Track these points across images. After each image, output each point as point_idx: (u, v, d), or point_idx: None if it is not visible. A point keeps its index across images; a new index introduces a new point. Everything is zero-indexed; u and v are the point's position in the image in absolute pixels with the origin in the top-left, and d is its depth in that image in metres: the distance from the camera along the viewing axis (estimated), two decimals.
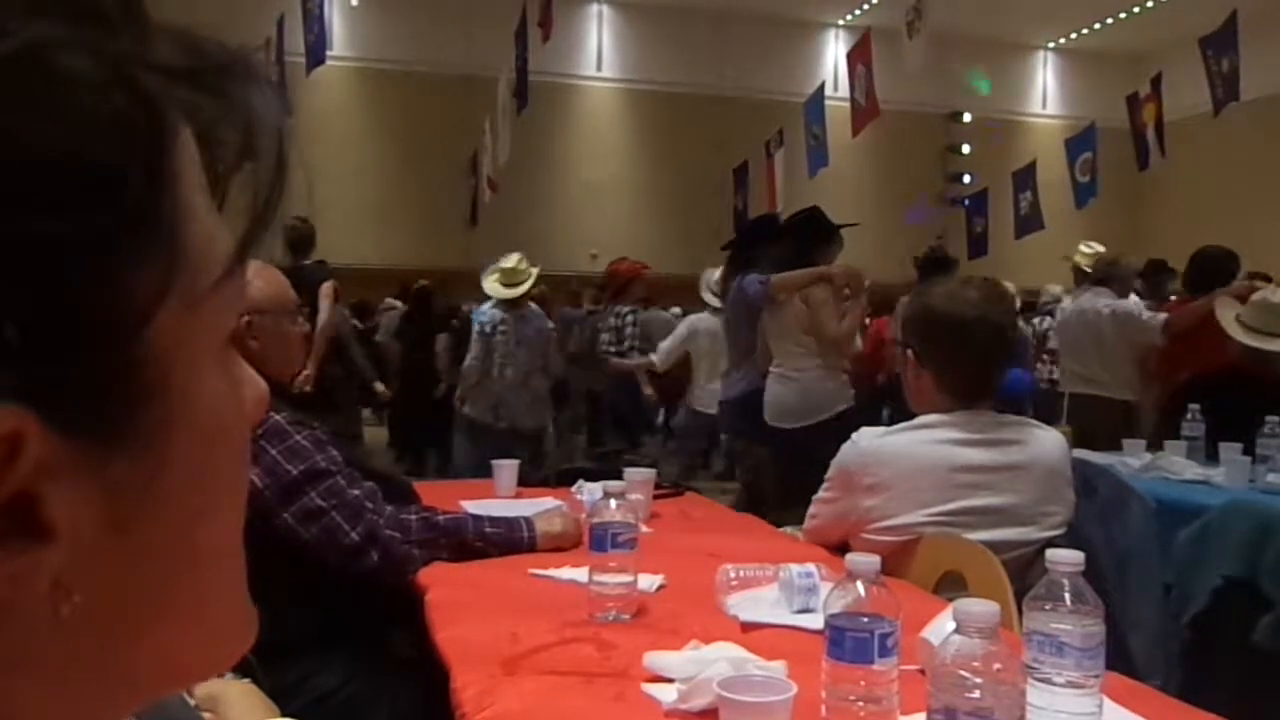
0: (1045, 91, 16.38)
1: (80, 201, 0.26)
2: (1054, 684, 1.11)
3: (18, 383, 0.26)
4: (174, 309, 0.29)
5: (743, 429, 4.83)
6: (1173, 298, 5.79)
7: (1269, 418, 3.32)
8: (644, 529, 2.00)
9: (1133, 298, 5.50)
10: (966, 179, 14.87)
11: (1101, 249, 6.07)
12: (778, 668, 1.24)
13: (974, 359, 1.99)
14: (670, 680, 1.24)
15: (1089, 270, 5.70)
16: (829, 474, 2.07)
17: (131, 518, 0.29)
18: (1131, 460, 3.54)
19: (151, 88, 0.28)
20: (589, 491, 2.51)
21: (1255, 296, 3.90)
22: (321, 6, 9.45)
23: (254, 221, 0.32)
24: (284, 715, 1.15)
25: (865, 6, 13.92)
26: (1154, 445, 3.67)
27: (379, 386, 6.61)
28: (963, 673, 0.98)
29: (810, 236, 4.34)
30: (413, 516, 1.95)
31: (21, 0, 0.26)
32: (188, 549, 0.32)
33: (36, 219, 0.25)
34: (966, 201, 11.75)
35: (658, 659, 1.30)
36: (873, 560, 1.15)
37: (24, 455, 0.26)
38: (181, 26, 0.31)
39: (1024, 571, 1.79)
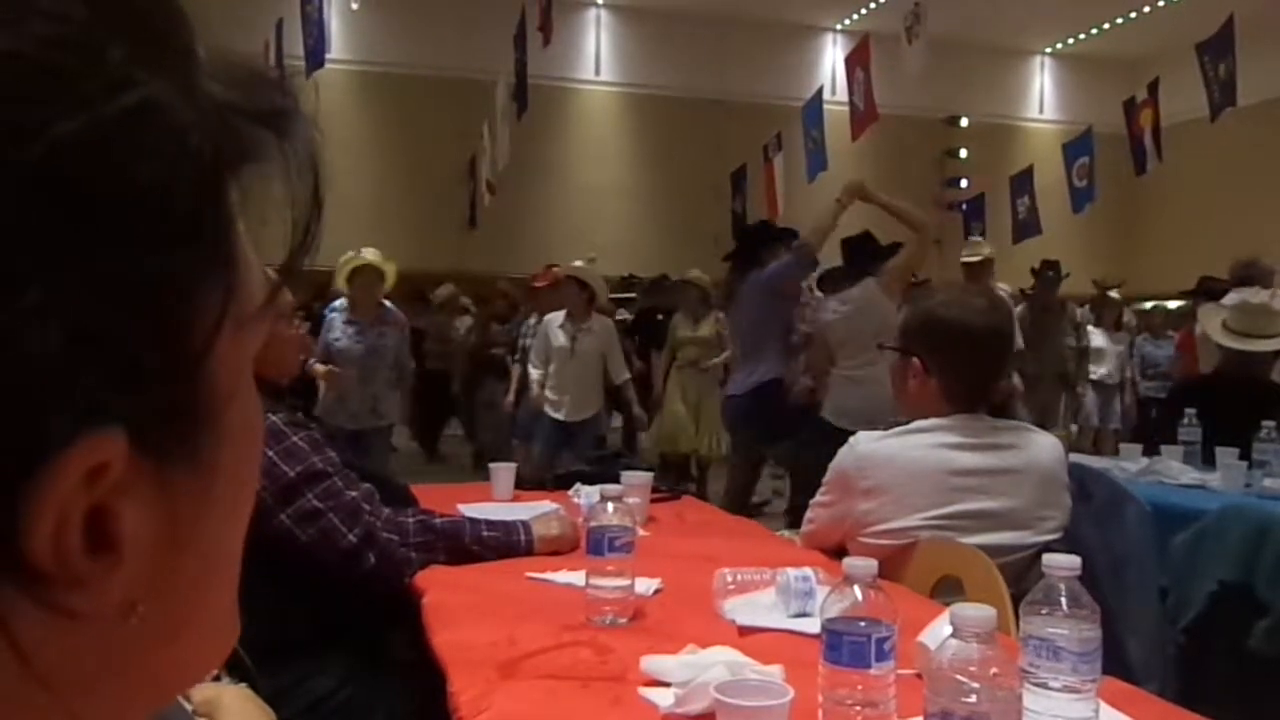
0: (1042, 96, 16.38)
1: (177, 238, 0.29)
2: (1050, 688, 1.11)
3: (121, 412, 0.27)
4: (228, 333, 0.31)
5: (753, 423, 4.90)
6: None
7: (1265, 422, 3.32)
8: (641, 532, 2.01)
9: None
10: (964, 183, 14.87)
11: (987, 250, 6.28)
12: (775, 672, 1.24)
13: (983, 367, 2.00)
14: (667, 684, 1.24)
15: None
16: (826, 478, 2.07)
17: (186, 531, 0.31)
18: (1128, 464, 3.54)
19: (228, 126, 0.31)
20: (586, 495, 2.51)
21: (1236, 300, 3.89)
22: (320, 9, 9.44)
23: (294, 248, 0.34)
24: (280, 718, 1.15)
25: (863, 11, 13.93)
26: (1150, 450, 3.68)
27: None
28: (959, 677, 0.98)
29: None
30: (410, 519, 1.96)
31: (145, 49, 0.28)
32: (221, 556, 0.34)
33: (146, 256, 0.28)
34: (964, 206, 11.76)
35: (655, 663, 1.30)
36: (869, 564, 1.15)
37: (108, 475, 0.27)
38: (232, 57, 0.32)
39: (1020, 576, 1.79)
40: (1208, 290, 5.98)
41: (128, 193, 0.27)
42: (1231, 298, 3.94)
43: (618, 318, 9.41)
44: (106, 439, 0.27)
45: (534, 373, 5.77)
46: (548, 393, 5.64)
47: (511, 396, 6.43)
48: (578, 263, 5.80)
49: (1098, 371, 7.78)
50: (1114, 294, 8.32)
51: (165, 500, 0.30)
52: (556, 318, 5.69)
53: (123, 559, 0.28)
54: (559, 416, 5.60)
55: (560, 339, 5.60)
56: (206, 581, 0.33)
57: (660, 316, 7.59)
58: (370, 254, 5.08)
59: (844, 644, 1.10)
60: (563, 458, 5.23)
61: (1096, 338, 7.80)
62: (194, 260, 0.29)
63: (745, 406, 5.02)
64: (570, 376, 5.59)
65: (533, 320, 6.49)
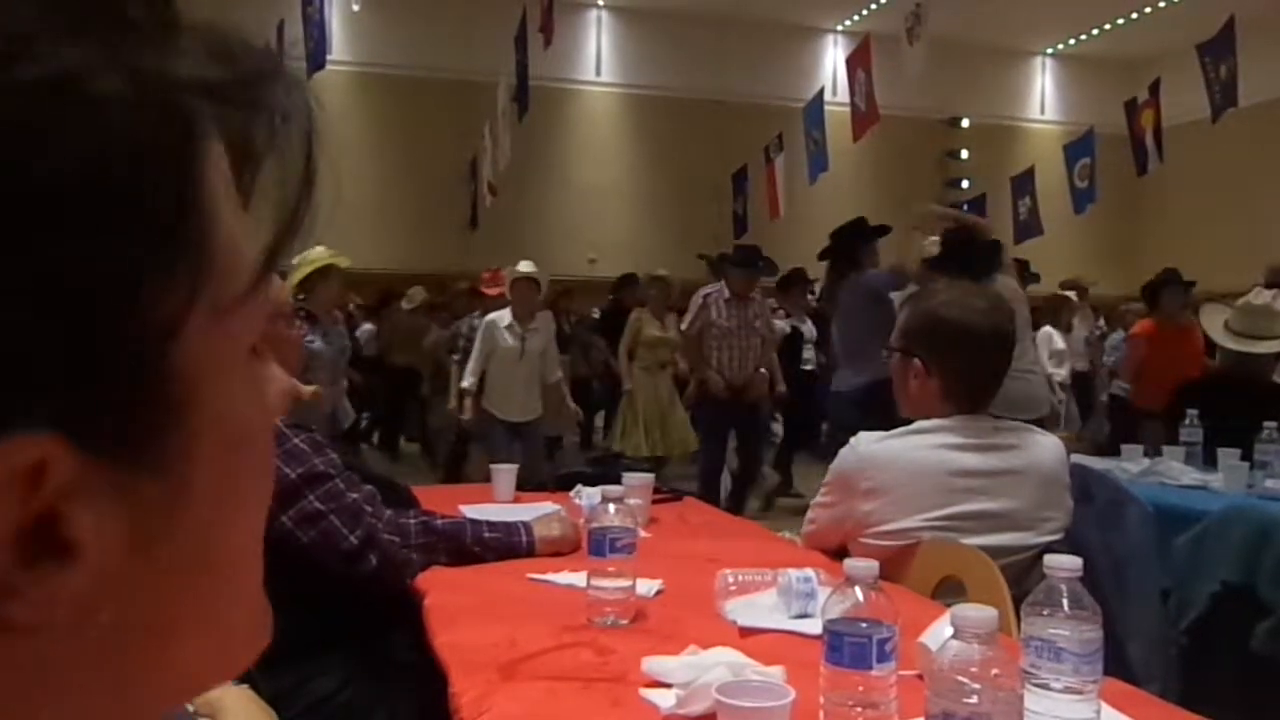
0: (1044, 97, 16.39)
1: (109, 225, 0.26)
2: (1052, 689, 1.11)
3: (49, 411, 0.25)
4: (200, 321, 0.28)
5: (868, 420, 4.91)
6: None
7: (1266, 423, 3.32)
8: (642, 534, 2.00)
9: None
10: (965, 184, 14.88)
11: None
12: (776, 673, 1.24)
13: (986, 368, 2.00)
14: (668, 685, 1.24)
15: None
16: (827, 479, 2.07)
17: (158, 534, 0.29)
18: (1129, 465, 3.54)
19: (182, 103, 0.28)
20: (587, 496, 2.51)
21: (1239, 301, 3.89)
22: (322, 11, 9.46)
23: (282, 229, 0.31)
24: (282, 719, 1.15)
25: (863, 11, 13.94)
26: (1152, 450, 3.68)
27: None
28: (961, 678, 0.98)
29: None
30: (411, 520, 1.96)
31: (56, 18, 0.25)
32: (212, 558, 0.32)
33: (66, 246, 0.25)
34: (965, 207, 11.76)
35: (656, 664, 1.30)
36: (871, 565, 1.15)
37: (49, 479, 0.26)
38: (210, 27, 0.30)
39: (1022, 577, 1.79)
40: (1171, 280, 5.96)
41: (49, 173, 0.25)
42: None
43: (594, 314, 9.43)
44: (32, 440, 0.25)
45: (466, 381, 5.56)
46: (495, 394, 5.52)
47: (467, 401, 6.28)
48: (524, 265, 5.63)
49: (1059, 373, 7.71)
50: (1072, 295, 8.28)
51: (126, 503, 0.28)
52: (502, 318, 5.53)
53: (74, 565, 0.26)
54: (508, 418, 5.51)
55: (508, 340, 5.48)
56: (201, 584, 0.32)
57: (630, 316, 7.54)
58: (323, 251, 4.75)
59: (845, 645, 1.10)
60: (521, 459, 5.20)
61: (1056, 339, 7.74)
62: (140, 245, 0.26)
63: (858, 403, 4.97)
64: (519, 378, 5.49)
65: (473, 321, 6.21)
